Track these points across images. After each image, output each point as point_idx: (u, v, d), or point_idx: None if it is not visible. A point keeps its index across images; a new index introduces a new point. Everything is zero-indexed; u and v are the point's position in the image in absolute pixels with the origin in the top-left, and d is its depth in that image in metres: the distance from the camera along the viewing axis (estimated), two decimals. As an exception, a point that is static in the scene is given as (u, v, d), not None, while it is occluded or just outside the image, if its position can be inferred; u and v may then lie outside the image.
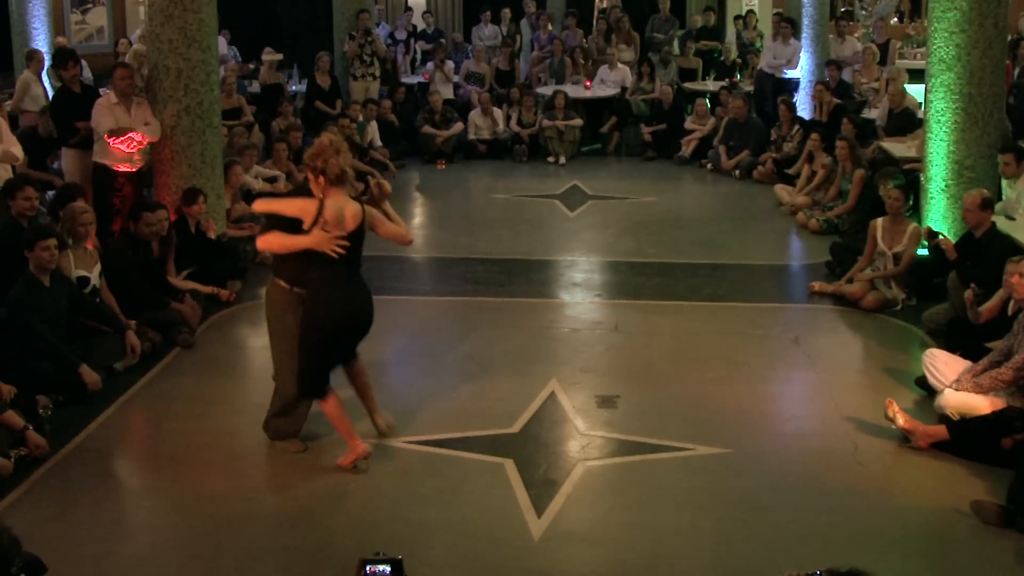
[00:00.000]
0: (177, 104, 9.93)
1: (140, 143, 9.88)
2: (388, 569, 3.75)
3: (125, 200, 9.82)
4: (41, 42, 15.43)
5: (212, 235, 9.71)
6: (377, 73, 16.55)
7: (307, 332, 6.27)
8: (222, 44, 15.61)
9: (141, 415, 7.38)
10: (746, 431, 6.96)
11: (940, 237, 8.79)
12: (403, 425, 6.96)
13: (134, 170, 10.04)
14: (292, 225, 6.14)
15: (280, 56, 16.51)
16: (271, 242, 6.29)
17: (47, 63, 13.22)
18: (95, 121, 9.87)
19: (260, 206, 6.55)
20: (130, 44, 15.65)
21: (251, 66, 17.25)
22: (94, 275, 8.04)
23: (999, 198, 9.60)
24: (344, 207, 6.16)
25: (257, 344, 8.78)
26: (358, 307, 6.44)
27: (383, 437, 6.74)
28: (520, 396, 7.37)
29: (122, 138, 9.77)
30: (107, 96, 10.03)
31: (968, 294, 7.79)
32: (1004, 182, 9.81)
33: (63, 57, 10.76)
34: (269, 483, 6.31)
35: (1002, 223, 8.91)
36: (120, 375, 7.72)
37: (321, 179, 6.11)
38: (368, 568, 3.74)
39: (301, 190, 6.49)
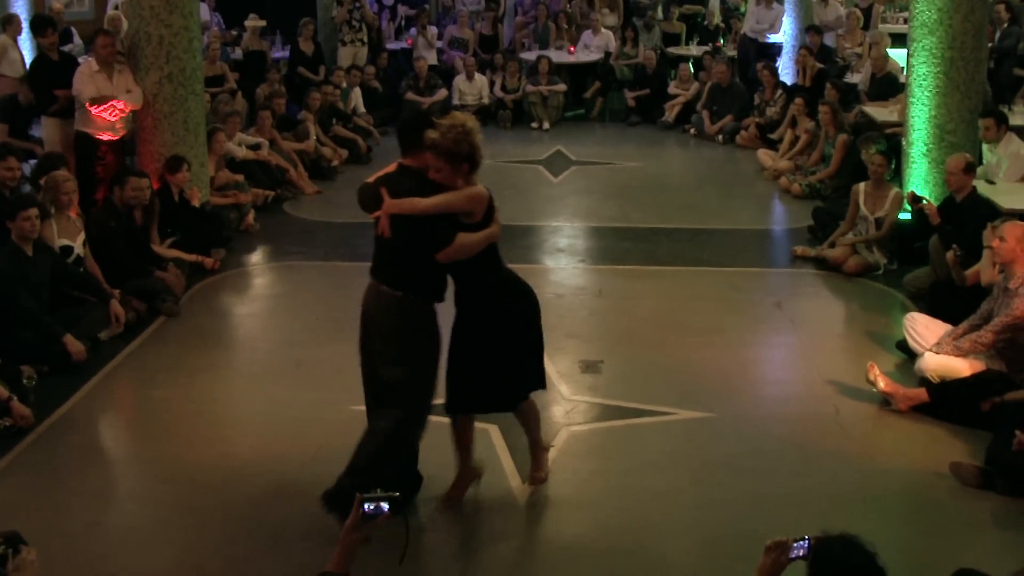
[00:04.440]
0: (159, 71, 9.85)
1: (122, 111, 9.82)
2: (386, 506, 3.75)
3: (108, 169, 9.76)
4: (20, 8, 15.27)
5: (196, 203, 9.68)
6: (365, 39, 16.50)
7: (522, 321, 5.55)
8: (204, 10, 15.47)
9: (126, 384, 7.40)
10: (728, 395, 7.01)
11: (924, 202, 8.83)
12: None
13: (117, 138, 9.98)
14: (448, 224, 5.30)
15: (263, 23, 16.41)
16: (470, 247, 5.31)
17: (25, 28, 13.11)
18: (76, 89, 9.80)
19: (428, 204, 5.22)
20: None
21: (234, 32, 17.14)
22: (78, 244, 8.02)
23: (980, 162, 9.64)
24: None
25: (242, 312, 8.83)
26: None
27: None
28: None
29: (104, 106, 9.71)
30: (88, 64, 9.94)
31: (950, 255, 7.86)
32: (985, 147, 9.85)
33: (42, 24, 10.69)
34: (255, 451, 6.32)
35: (983, 187, 8.97)
36: (105, 345, 7.71)
37: (464, 167, 5.30)
38: (367, 507, 3.74)
39: (409, 174, 5.39)
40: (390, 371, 5.42)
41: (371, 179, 5.55)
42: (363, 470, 5.34)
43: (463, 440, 5.72)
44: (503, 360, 5.52)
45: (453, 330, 5.52)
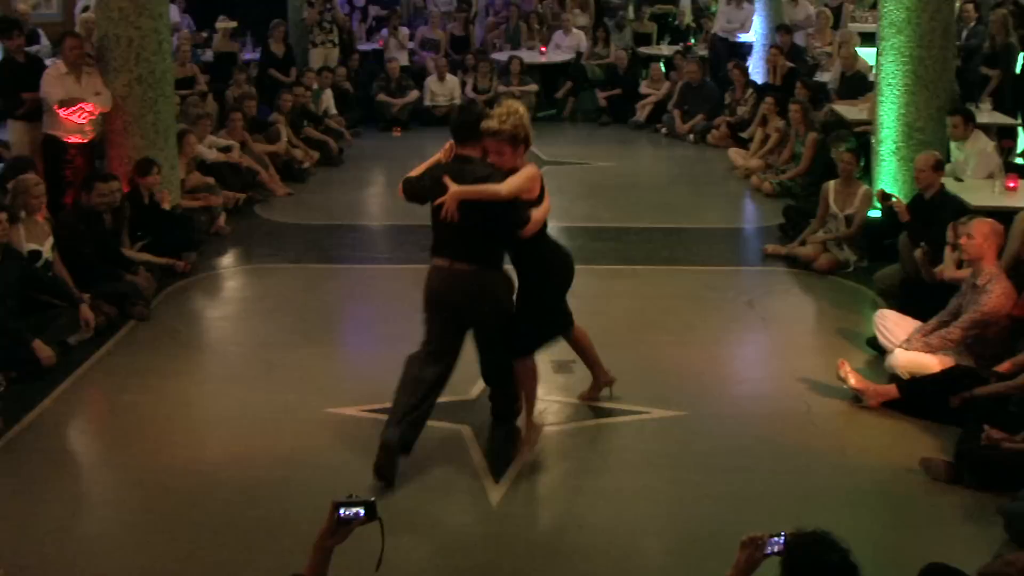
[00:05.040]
0: (128, 74, 9.81)
1: (91, 114, 9.76)
2: (362, 511, 3.76)
3: (77, 172, 9.69)
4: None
5: (166, 206, 9.62)
6: (336, 40, 16.49)
7: (548, 289, 6.20)
8: (174, 12, 15.40)
9: (97, 389, 7.34)
10: (701, 394, 7.04)
11: (893, 199, 8.89)
12: (360, 393, 6.97)
13: (86, 141, 9.92)
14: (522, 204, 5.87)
15: (234, 24, 16.35)
16: (540, 221, 5.97)
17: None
18: (44, 92, 9.74)
19: (509, 189, 5.75)
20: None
21: (204, 34, 17.08)
22: (46, 248, 7.95)
23: (948, 160, 9.71)
24: None
25: (213, 315, 8.79)
26: None
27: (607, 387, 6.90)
28: (476, 362, 7.35)
29: (72, 109, 9.65)
30: (56, 66, 9.88)
31: (919, 253, 7.92)
32: (953, 144, 9.92)
33: (7, 26, 10.60)
34: (228, 455, 6.28)
35: (951, 184, 9.03)
36: (74, 349, 7.65)
37: (521, 148, 5.93)
38: (342, 511, 3.75)
39: (474, 162, 5.92)
40: (496, 328, 6.11)
41: (415, 172, 6.05)
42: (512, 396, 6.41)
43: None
44: (548, 309, 6.23)
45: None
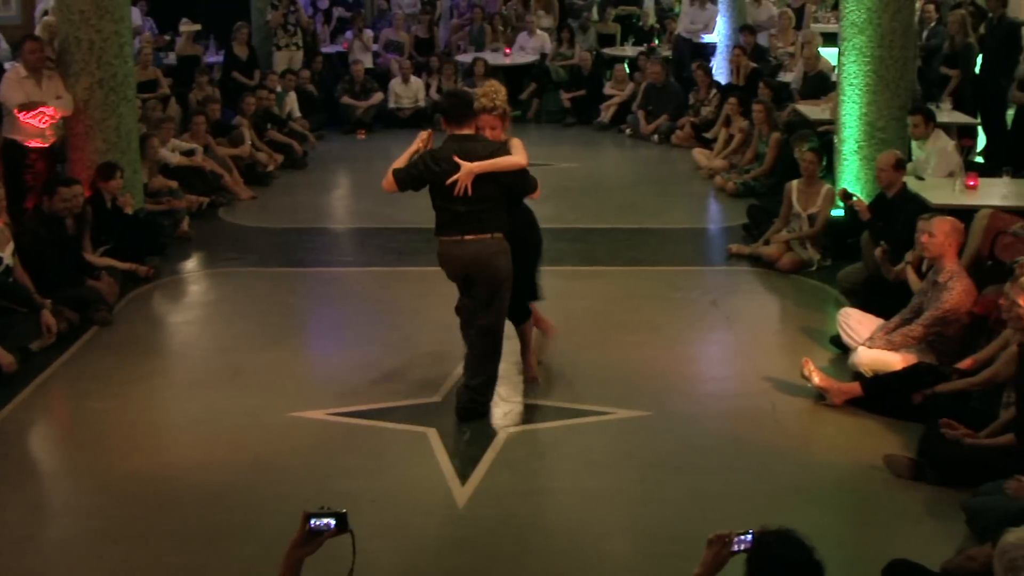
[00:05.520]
0: (90, 77, 9.75)
1: (52, 118, 9.68)
2: (333, 522, 3.75)
3: (38, 176, 9.61)
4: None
5: (129, 210, 9.55)
6: (300, 43, 16.43)
7: (536, 248, 7.00)
8: (136, 15, 15.30)
9: (59, 395, 7.29)
10: (666, 393, 7.06)
11: (854, 199, 8.96)
12: (326, 397, 6.96)
13: (47, 145, 9.83)
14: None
15: (198, 27, 16.25)
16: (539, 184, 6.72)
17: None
18: (4, 96, 9.65)
19: (526, 158, 6.42)
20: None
21: (167, 37, 16.97)
22: (7, 254, 7.87)
23: (909, 159, 9.79)
24: None
25: (177, 320, 8.74)
26: None
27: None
28: (442, 365, 7.38)
29: (33, 113, 9.57)
30: (16, 70, 9.79)
31: (878, 252, 7.98)
32: (914, 143, 10.00)
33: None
34: (191, 460, 6.24)
35: (912, 183, 9.10)
36: (36, 356, 7.57)
37: (507, 122, 6.66)
38: (313, 522, 3.73)
39: (475, 140, 6.42)
40: (493, 295, 6.45)
41: (401, 163, 6.38)
42: (486, 385, 6.66)
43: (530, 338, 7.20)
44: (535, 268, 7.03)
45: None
